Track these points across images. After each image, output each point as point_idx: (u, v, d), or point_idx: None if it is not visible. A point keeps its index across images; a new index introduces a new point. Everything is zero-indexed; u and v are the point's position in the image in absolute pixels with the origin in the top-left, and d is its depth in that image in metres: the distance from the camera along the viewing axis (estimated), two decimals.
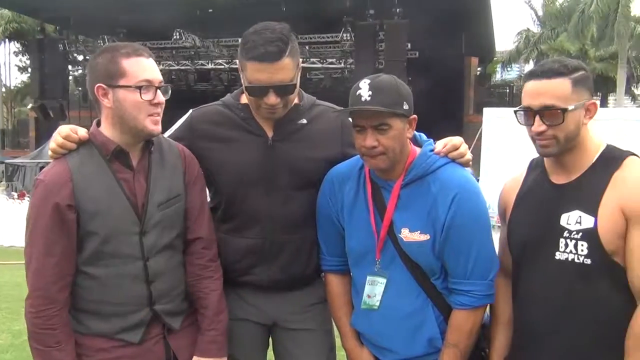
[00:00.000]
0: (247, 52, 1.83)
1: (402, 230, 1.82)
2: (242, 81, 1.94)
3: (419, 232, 1.80)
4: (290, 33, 1.87)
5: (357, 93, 1.73)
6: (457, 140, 1.88)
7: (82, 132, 1.79)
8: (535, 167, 1.84)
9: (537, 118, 1.65)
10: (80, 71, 21.41)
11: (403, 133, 1.77)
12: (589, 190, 1.65)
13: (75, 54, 20.62)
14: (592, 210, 1.62)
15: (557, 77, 1.63)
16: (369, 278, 1.89)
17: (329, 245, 2.02)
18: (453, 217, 1.76)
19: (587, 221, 1.62)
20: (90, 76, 1.76)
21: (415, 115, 1.81)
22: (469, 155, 1.88)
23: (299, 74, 1.93)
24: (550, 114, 1.63)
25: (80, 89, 20.97)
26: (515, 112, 1.72)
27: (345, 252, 1.98)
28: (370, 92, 1.71)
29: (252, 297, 2.07)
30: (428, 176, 1.81)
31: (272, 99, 1.86)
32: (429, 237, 1.79)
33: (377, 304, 1.88)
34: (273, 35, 1.81)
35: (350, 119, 1.85)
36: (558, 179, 1.74)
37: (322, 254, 2.05)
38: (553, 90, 1.63)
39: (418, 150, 1.87)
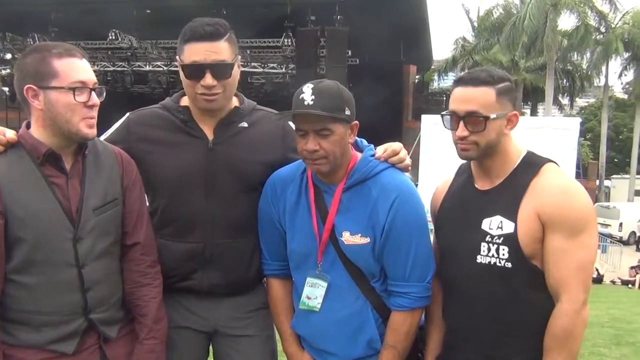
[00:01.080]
0: (185, 37, 1.86)
1: (344, 233, 1.85)
2: (180, 75, 1.92)
3: (359, 235, 1.83)
4: (229, 27, 1.90)
5: (300, 97, 1.75)
6: (396, 145, 1.93)
7: (10, 134, 1.71)
8: (463, 173, 1.91)
9: (461, 123, 1.71)
10: (7, 70, 20.38)
11: (344, 138, 1.80)
12: (509, 196, 1.73)
13: (1, 53, 19.63)
14: (512, 216, 1.70)
15: (483, 86, 1.70)
16: (308, 279, 1.91)
17: (270, 249, 2.02)
18: (392, 220, 1.80)
19: (508, 226, 1.70)
20: (19, 76, 1.69)
21: (357, 121, 1.84)
22: (408, 161, 1.93)
23: (238, 68, 1.94)
24: (473, 120, 1.70)
25: (7, 89, 19.96)
26: (442, 115, 1.78)
27: (287, 257, 1.98)
28: (313, 97, 1.73)
29: (192, 304, 2.04)
30: (369, 180, 1.85)
31: (208, 79, 1.85)
32: (369, 240, 1.83)
33: (318, 306, 1.90)
34: (211, 21, 1.86)
35: (291, 123, 1.86)
36: (482, 184, 1.81)
37: (263, 259, 2.05)
38: (478, 97, 1.69)
39: (359, 155, 1.90)
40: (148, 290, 1.88)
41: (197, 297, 2.02)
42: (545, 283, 1.69)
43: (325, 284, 1.89)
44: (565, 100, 33.74)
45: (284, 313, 2.03)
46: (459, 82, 1.75)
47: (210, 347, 2.15)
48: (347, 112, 1.78)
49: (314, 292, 1.90)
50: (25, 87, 1.66)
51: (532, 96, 31.19)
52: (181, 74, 1.91)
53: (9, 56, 19.66)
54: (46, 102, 1.67)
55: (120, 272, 1.88)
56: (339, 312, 1.89)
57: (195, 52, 1.84)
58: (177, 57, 1.94)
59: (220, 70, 1.86)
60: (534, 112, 32.76)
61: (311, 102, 1.72)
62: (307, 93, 1.74)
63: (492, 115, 1.69)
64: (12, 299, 1.69)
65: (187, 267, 1.99)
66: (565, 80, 29.55)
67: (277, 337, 2.13)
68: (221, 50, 1.86)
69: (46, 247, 1.68)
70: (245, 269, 2.03)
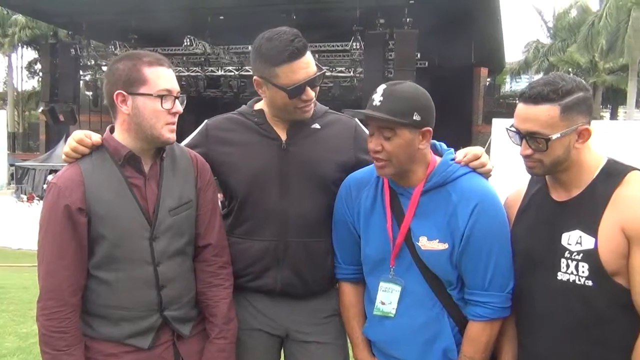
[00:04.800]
0: (274, 59, 1.87)
1: (420, 238, 1.80)
2: (264, 92, 1.97)
3: (437, 240, 1.78)
4: None
5: (372, 96, 1.74)
6: (478, 150, 1.87)
7: (96, 138, 1.80)
8: (537, 181, 1.81)
9: (524, 142, 1.64)
10: (89, 76, 21.54)
11: (411, 144, 1.75)
12: (588, 208, 1.62)
13: (86, 59, 20.77)
14: (592, 230, 1.59)
15: (545, 104, 1.59)
16: (382, 284, 1.87)
17: (344, 252, 2.01)
18: (473, 227, 1.74)
19: (588, 242, 1.59)
20: (109, 81, 1.76)
21: (429, 128, 1.77)
22: (490, 166, 1.86)
23: None
24: (534, 140, 1.62)
25: (90, 93, 21.10)
26: (507, 129, 1.70)
27: (361, 261, 1.96)
28: (381, 98, 1.72)
29: (265, 306, 2.05)
30: (448, 185, 1.79)
31: (310, 93, 1.92)
32: (447, 246, 1.77)
33: (393, 312, 1.86)
34: (290, 35, 1.88)
35: (362, 126, 1.87)
36: (558, 195, 1.71)
37: (337, 262, 2.04)
38: (539, 117, 1.60)
39: (438, 159, 1.85)
40: (219, 291, 1.92)
41: (270, 298, 2.04)
42: (631, 302, 1.56)
43: (399, 288, 1.85)
44: None
45: (355, 318, 2.01)
46: (521, 97, 1.66)
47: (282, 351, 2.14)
48: (416, 118, 1.72)
49: (387, 297, 1.87)
50: (116, 93, 1.74)
51: (613, 99, 29.65)
52: (275, 93, 1.91)
53: (92, 62, 20.75)
54: (133, 107, 1.74)
55: (194, 272, 1.92)
56: (414, 319, 1.84)
57: (294, 71, 1.87)
58: (260, 77, 1.93)
59: (318, 80, 1.94)
60: (614, 116, 31.14)
61: (378, 104, 1.71)
62: (378, 94, 1.73)
63: (554, 136, 1.59)
64: (94, 293, 1.77)
65: (260, 265, 2.01)
66: None
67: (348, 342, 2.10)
68: (310, 60, 1.92)
69: (125, 245, 1.75)
70: (318, 269, 2.03)
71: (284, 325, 2.06)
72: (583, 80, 1.66)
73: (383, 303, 1.87)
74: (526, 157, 1.67)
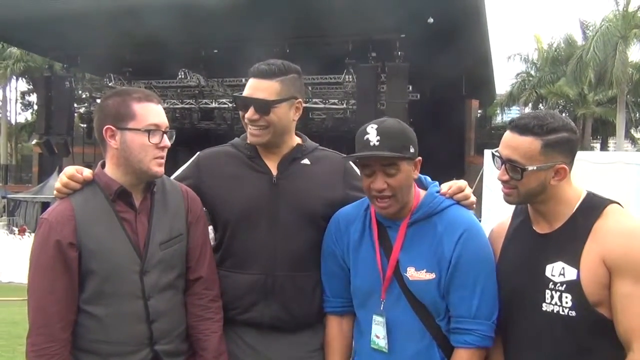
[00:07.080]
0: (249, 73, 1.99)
1: (408, 269, 1.82)
2: None
3: (424, 270, 1.81)
4: (295, 68, 2.01)
5: (365, 138, 1.76)
6: (461, 182, 1.93)
7: (87, 173, 1.83)
8: (520, 214, 1.85)
9: (503, 167, 1.70)
10: (84, 108, 21.61)
11: (410, 175, 1.82)
12: (570, 241, 1.66)
13: (81, 91, 20.85)
14: (575, 262, 1.63)
15: (528, 136, 1.65)
16: (375, 317, 1.87)
17: (332, 285, 2.02)
18: (459, 255, 1.78)
19: (570, 273, 1.63)
20: (99, 117, 1.81)
21: (420, 158, 1.85)
22: (472, 198, 1.92)
23: (291, 109, 2.01)
24: (512, 167, 1.67)
25: (85, 125, 21.14)
26: (492, 153, 1.77)
27: (348, 294, 1.97)
28: (378, 137, 1.75)
29: (254, 340, 2.04)
30: (434, 216, 1.84)
31: (249, 112, 1.97)
32: (434, 276, 1.80)
33: (386, 346, 1.85)
34: (272, 61, 1.99)
35: (352, 163, 1.88)
36: (541, 228, 1.75)
37: (325, 295, 2.04)
38: (520, 147, 1.66)
39: (422, 192, 1.90)
40: (209, 324, 1.92)
41: (258, 332, 2.03)
42: (613, 332, 1.59)
43: (383, 320, 1.85)
44: (638, 134, 32.22)
45: (337, 353, 2.00)
46: (510, 124, 1.74)
47: None
48: (412, 150, 1.79)
49: (381, 330, 1.87)
50: (105, 128, 1.77)
51: (602, 130, 30.02)
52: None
53: (86, 95, 20.84)
54: (122, 142, 1.77)
55: (184, 305, 1.92)
56: (405, 350, 1.84)
57: (247, 86, 1.99)
58: None
59: (258, 106, 1.96)
60: (604, 147, 31.49)
61: (377, 143, 1.74)
62: (371, 134, 1.76)
63: (531, 168, 1.65)
64: (83, 328, 1.76)
65: (248, 299, 2.01)
66: (637, 114, 28.24)
67: None
68: (266, 88, 1.96)
69: (115, 279, 1.76)
70: (306, 303, 2.03)
71: (272, 358, 2.05)
72: (572, 123, 1.72)
73: (378, 337, 1.87)
74: (503, 183, 1.73)
